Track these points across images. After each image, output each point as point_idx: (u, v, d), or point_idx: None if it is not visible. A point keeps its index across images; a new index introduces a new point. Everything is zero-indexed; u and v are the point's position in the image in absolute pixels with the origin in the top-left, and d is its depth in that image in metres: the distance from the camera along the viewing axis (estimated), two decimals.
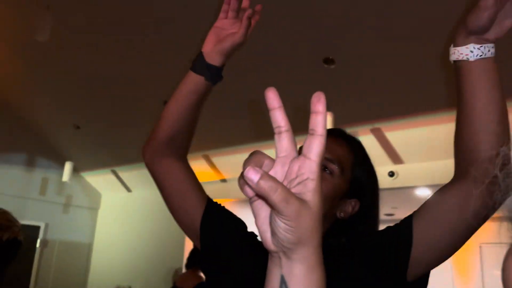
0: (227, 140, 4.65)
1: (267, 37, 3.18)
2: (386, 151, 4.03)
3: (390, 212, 6.19)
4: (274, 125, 0.47)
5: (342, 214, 0.94)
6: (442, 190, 0.84)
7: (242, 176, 0.44)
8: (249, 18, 0.93)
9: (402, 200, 4.83)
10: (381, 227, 0.96)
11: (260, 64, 3.56)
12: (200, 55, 0.96)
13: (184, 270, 3.78)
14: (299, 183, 0.45)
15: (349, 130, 1.06)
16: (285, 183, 0.46)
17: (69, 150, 6.34)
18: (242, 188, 0.46)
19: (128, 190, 6.85)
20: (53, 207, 6.60)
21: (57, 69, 4.55)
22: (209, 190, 1.14)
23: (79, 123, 5.59)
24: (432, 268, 0.85)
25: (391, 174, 4.14)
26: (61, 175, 5.97)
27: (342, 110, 3.48)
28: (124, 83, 4.42)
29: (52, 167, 6.50)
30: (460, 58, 0.79)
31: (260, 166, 0.46)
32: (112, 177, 6.75)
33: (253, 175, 0.42)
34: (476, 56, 0.77)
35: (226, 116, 4.20)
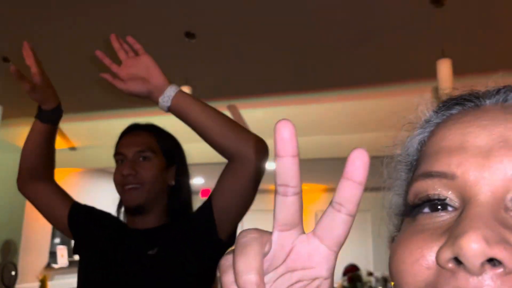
0: (77, 106, 4.32)
1: (127, 10, 3.01)
2: None
3: None
4: (280, 181, 0.31)
5: (172, 182, 1.27)
6: (224, 169, 1.16)
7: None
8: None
9: None
10: None
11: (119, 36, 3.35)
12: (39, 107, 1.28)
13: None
14: (306, 285, 0.33)
15: None
16: (282, 270, 0.33)
17: None
18: None
19: None
20: None
21: None
22: (56, 158, 1.25)
23: None
24: (236, 224, 1.20)
25: None
26: None
27: (201, 85, 3.52)
28: None
29: None
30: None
31: (262, 262, 0.31)
32: None
33: None
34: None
35: (75, 80, 3.89)
